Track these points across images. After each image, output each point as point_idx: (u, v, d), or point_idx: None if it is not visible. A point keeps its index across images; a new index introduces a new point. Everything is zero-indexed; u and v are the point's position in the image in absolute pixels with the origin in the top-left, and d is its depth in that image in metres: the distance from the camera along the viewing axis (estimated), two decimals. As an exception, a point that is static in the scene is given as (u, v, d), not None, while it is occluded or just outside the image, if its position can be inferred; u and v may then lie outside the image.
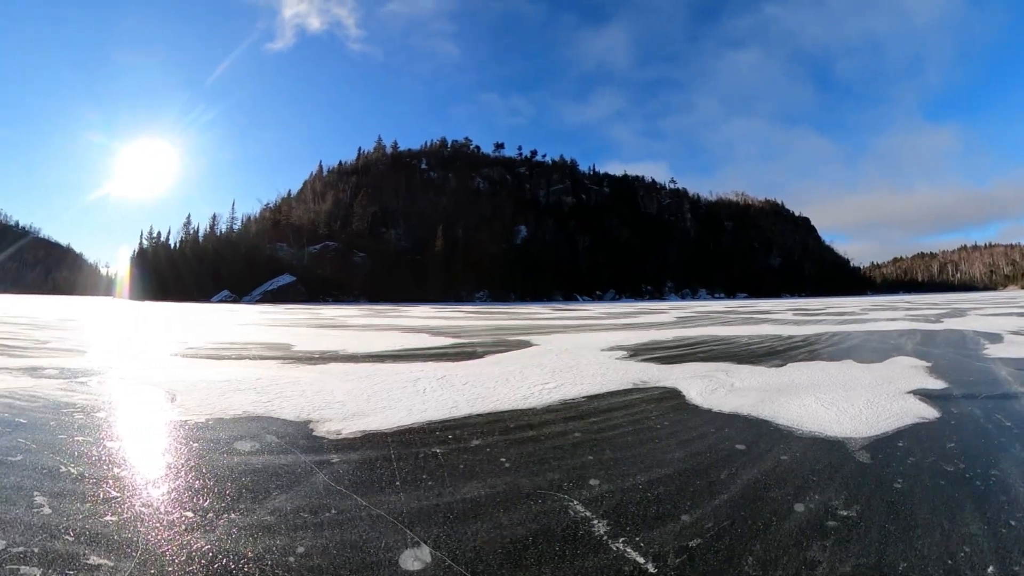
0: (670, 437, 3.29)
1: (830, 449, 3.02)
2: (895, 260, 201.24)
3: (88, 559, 1.79)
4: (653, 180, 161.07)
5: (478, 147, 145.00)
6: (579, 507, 2.23)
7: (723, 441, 3.20)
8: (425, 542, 1.94)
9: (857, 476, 2.59)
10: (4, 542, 1.88)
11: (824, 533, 2.00)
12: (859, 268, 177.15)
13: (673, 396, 4.52)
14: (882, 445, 3.09)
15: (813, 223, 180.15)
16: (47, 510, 2.16)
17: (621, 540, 1.95)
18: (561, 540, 1.96)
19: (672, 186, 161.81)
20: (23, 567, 1.72)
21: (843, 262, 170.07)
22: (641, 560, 1.81)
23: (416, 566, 1.79)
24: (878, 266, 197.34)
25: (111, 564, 1.76)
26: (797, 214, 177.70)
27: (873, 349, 7.97)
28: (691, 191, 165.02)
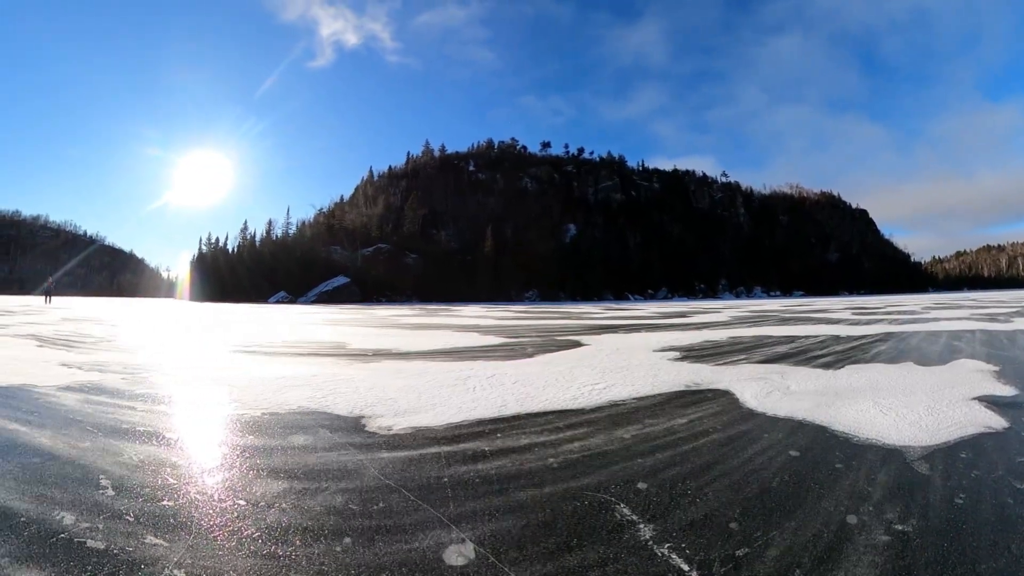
0: (722, 441, 3.15)
1: (887, 458, 2.81)
2: (958, 254, 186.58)
3: (146, 538, 1.89)
4: (704, 174, 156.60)
5: (524, 147, 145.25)
6: (625, 510, 2.17)
7: (776, 446, 3.04)
8: (470, 539, 1.92)
9: (914, 488, 2.39)
10: (74, 517, 2.03)
11: (876, 548, 1.85)
12: (920, 263, 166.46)
13: (726, 399, 4.34)
14: (943, 456, 2.84)
15: (870, 215, 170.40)
16: (111, 492, 2.30)
17: (667, 546, 1.87)
18: (606, 543, 1.90)
19: (724, 180, 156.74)
20: (89, 540, 1.86)
21: (903, 257, 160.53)
22: (686, 567, 1.74)
23: (460, 562, 1.78)
24: (940, 261, 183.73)
25: (166, 544, 1.85)
26: (854, 206, 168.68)
27: (935, 351, 7.41)
28: (743, 184, 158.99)
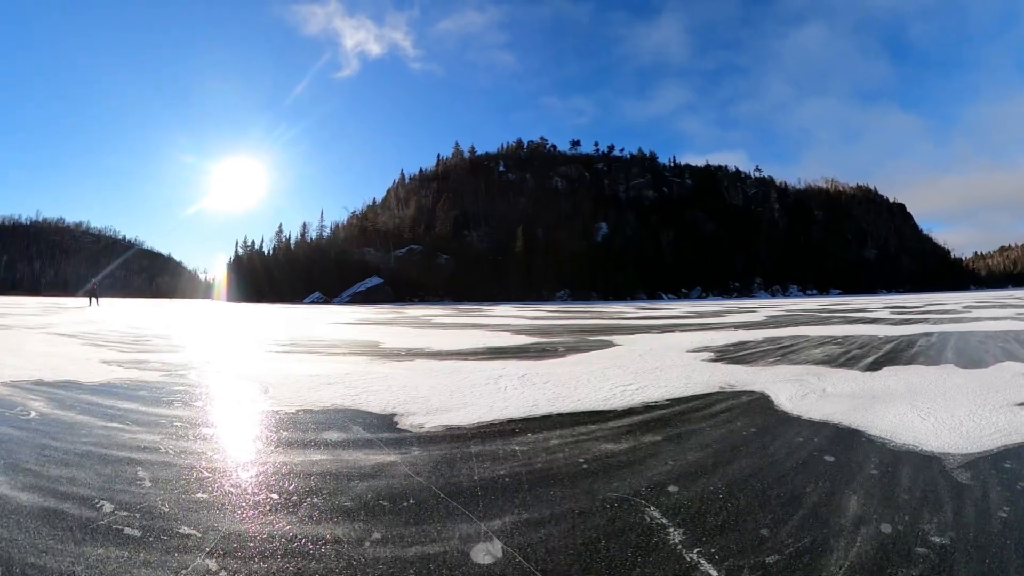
0: (755, 445, 3.05)
1: (925, 465, 2.66)
2: (1002, 249, 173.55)
3: (180, 528, 1.94)
4: (737, 169, 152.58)
5: (554, 146, 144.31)
6: (656, 513, 2.11)
7: (811, 451, 2.92)
8: (498, 537, 1.91)
9: (954, 498, 2.25)
10: (113, 506, 2.12)
11: (911, 560, 1.75)
12: (961, 259, 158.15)
13: (761, 401, 4.21)
14: (985, 464, 2.66)
15: (908, 209, 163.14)
16: (148, 483, 2.37)
17: (696, 551, 1.82)
18: (634, 546, 1.86)
19: (757, 175, 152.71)
20: (127, 528, 1.94)
21: (943, 253, 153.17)
22: (715, 573, 1.69)
23: (487, 560, 1.76)
24: (982, 256, 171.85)
25: (199, 535, 1.90)
26: (891, 200, 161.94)
27: (977, 352, 7.02)
28: (777, 179, 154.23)
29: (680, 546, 1.86)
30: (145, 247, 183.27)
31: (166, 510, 2.09)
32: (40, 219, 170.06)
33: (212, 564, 1.70)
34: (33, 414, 3.56)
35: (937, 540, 1.89)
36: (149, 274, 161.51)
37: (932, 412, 3.65)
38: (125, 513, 2.05)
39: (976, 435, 3.13)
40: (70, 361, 6.15)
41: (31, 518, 1.99)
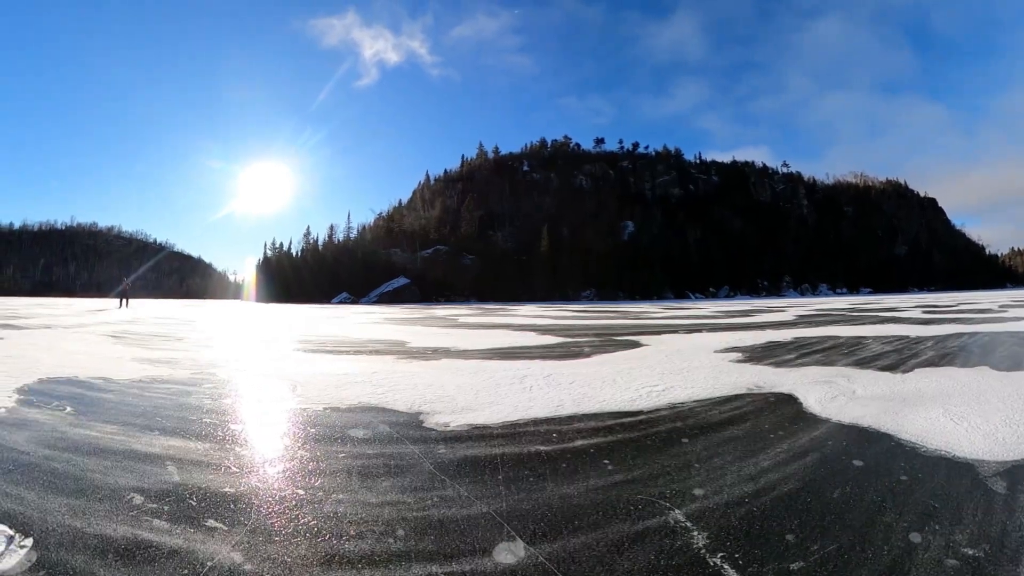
0: (783, 448, 2.97)
1: (958, 472, 2.54)
2: None
3: (206, 522, 1.98)
4: (764, 165, 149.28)
5: (578, 144, 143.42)
6: (680, 516, 2.07)
7: (839, 455, 2.83)
8: (521, 537, 1.90)
9: (988, 508, 2.14)
10: (142, 498, 2.18)
11: (942, 572, 1.68)
12: (996, 256, 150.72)
13: (789, 403, 4.10)
14: (1022, 473, 2.53)
15: (939, 204, 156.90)
16: (176, 478, 2.43)
17: (720, 555, 1.78)
18: (657, 550, 1.82)
19: (784, 170, 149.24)
20: (155, 520, 1.99)
21: (976, 249, 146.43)
22: (737, 580, 1.65)
23: (509, 560, 1.75)
24: (1019, 252, 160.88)
25: (225, 528, 1.94)
26: (922, 194, 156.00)
27: (1013, 355, 6.68)
28: (805, 175, 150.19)
29: (704, 550, 1.82)
30: (176, 249, 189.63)
31: (193, 504, 2.13)
32: (74, 224, 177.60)
33: (238, 557, 1.73)
34: (68, 409, 3.67)
35: (970, 552, 1.81)
36: (180, 276, 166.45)
37: (965, 416, 3.50)
38: (154, 506, 2.10)
39: (1013, 441, 2.98)
40: (102, 359, 6.33)
41: (62, 505, 2.05)
